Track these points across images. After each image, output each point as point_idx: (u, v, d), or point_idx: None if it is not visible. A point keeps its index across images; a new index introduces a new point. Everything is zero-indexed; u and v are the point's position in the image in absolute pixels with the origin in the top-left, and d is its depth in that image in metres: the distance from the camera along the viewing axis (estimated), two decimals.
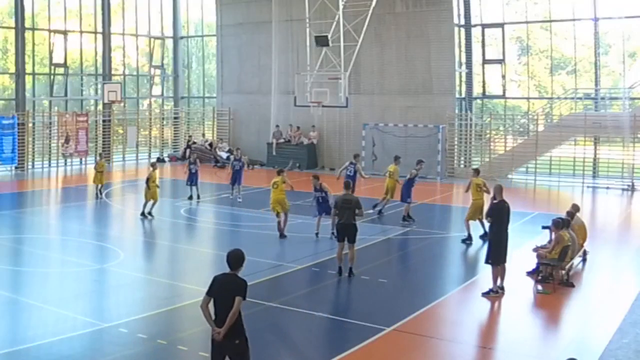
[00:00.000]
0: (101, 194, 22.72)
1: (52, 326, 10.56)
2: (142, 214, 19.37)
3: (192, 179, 22.34)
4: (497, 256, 12.57)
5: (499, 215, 12.61)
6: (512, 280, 13.17)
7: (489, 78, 31.36)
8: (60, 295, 12.35)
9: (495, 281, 12.62)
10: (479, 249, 16.21)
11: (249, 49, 34.54)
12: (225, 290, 7.51)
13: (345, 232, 13.64)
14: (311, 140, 32.37)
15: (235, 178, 22.62)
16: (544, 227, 14.77)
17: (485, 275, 13.10)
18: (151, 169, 20.26)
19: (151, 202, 19.52)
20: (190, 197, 22.27)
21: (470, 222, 17.19)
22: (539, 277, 13.36)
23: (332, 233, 16.14)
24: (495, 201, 12.77)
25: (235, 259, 7.62)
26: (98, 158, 24.77)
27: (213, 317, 7.57)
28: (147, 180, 19.64)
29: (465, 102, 31.01)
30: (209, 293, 7.62)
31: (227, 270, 7.70)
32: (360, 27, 27.09)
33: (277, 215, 17.32)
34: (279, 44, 32.77)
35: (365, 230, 17.38)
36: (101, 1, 33.08)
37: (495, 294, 12.53)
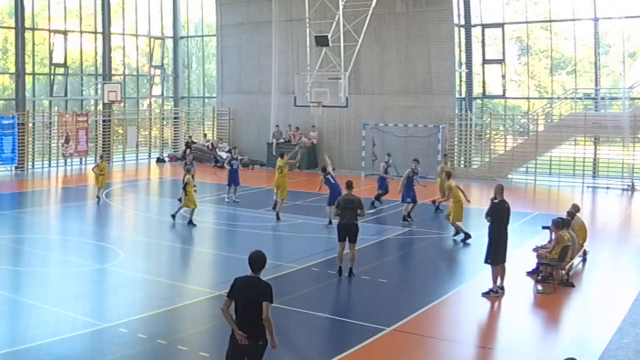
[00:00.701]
0: (99, 198, 21.95)
1: (52, 326, 10.56)
2: (190, 221, 18.39)
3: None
4: (496, 256, 12.57)
5: (499, 215, 12.60)
6: (512, 280, 13.17)
7: (489, 78, 31.36)
8: (60, 295, 12.34)
9: (495, 281, 12.62)
10: (479, 249, 16.17)
11: (249, 49, 34.54)
12: (249, 294, 7.42)
13: (347, 232, 13.65)
14: (311, 140, 32.37)
15: (235, 178, 22.43)
16: (544, 227, 14.77)
17: (485, 275, 13.08)
18: (188, 173, 19.08)
19: (191, 208, 18.46)
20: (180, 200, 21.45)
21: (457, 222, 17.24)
22: (539, 277, 13.36)
23: (330, 222, 17.89)
24: (495, 201, 12.77)
25: (257, 260, 7.50)
26: (99, 160, 23.73)
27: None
28: (185, 185, 18.51)
29: (465, 102, 31.01)
30: (230, 295, 7.53)
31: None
32: (360, 27, 27.08)
33: (276, 195, 19.65)
34: (279, 44, 32.76)
35: (365, 230, 17.39)
36: (101, 1, 33.08)
37: (495, 294, 12.53)
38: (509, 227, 12.80)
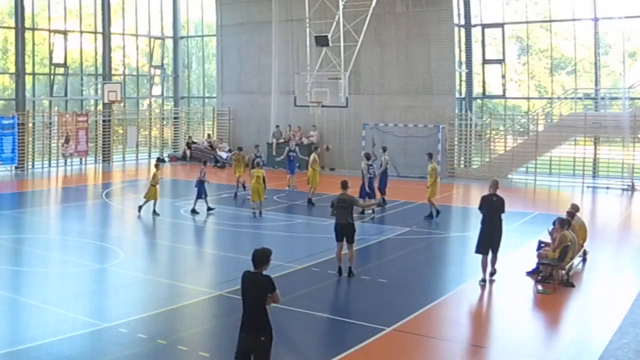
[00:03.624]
0: (155, 212, 19.66)
1: (52, 326, 10.55)
2: (259, 213, 19.72)
3: (203, 191, 20.28)
4: (483, 246, 13.12)
5: (487, 207, 13.25)
6: (512, 280, 13.17)
7: (489, 78, 31.35)
8: (60, 295, 12.34)
9: (484, 270, 12.98)
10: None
11: (249, 49, 34.54)
12: (251, 289, 7.66)
13: (343, 232, 13.64)
14: (311, 140, 32.34)
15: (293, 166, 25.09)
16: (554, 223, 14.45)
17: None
18: (256, 167, 20.16)
19: (258, 202, 19.72)
20: (194, 211, 20.17)
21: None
22: (539, 277, 13.38)
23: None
24: (485, 194, 13.40)
25: (258, 257, 7.76)
26: (154, 169, 20.20)
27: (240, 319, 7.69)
28: (264, 179, 19.77)
29: (465, 102, 31.01)
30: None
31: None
32: (360, 27, 27.07)
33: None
34: (279, 44, 32.76)
35: (365, 230, 17.43)
36: (101, 1, 33.08)
37: (483, 282, 12.95)
38: (503, 219, 13.27)
